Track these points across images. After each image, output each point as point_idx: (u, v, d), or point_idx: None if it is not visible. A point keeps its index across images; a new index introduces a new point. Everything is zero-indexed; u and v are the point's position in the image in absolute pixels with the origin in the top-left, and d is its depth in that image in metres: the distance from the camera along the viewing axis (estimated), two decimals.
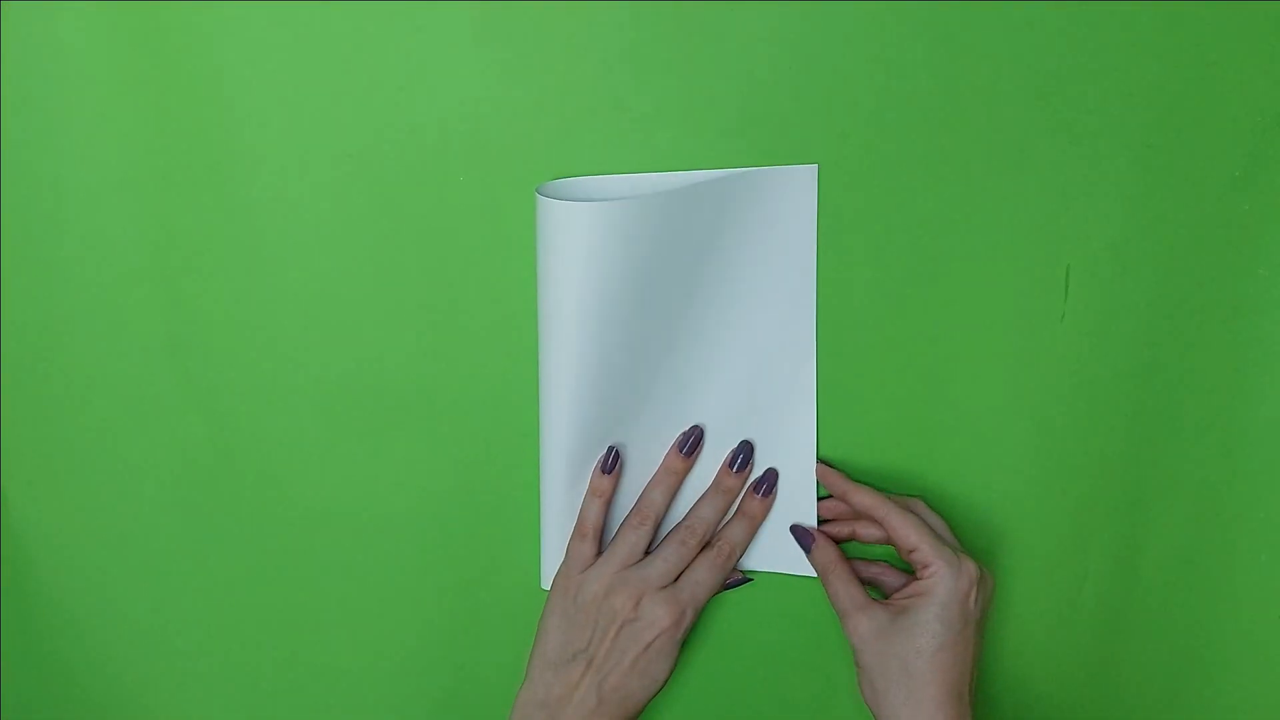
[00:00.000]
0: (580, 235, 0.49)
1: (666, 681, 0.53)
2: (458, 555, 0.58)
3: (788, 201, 0.52)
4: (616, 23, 0.49)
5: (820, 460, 0.56)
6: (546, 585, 0.56)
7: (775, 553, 0.57)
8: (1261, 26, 0.49)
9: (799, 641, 0.60)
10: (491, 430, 0.56)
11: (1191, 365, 0.55)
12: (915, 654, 0.50)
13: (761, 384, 0.56)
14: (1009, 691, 0.61)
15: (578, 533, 0.55)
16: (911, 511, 0.53)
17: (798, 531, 0.56)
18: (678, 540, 0.54)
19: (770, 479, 0.56)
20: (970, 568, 0.51)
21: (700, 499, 0.56)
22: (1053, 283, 0.54)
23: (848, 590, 0.53)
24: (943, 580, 0.51)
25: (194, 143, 0.50)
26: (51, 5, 0.48)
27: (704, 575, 0.54)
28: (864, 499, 0.54)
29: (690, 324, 0.54)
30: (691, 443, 0.55)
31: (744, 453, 0.56)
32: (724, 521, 0.56)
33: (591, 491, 0.55)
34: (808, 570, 0.56)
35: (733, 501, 0.56)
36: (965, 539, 0.58)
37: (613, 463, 0.54)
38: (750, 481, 0.56)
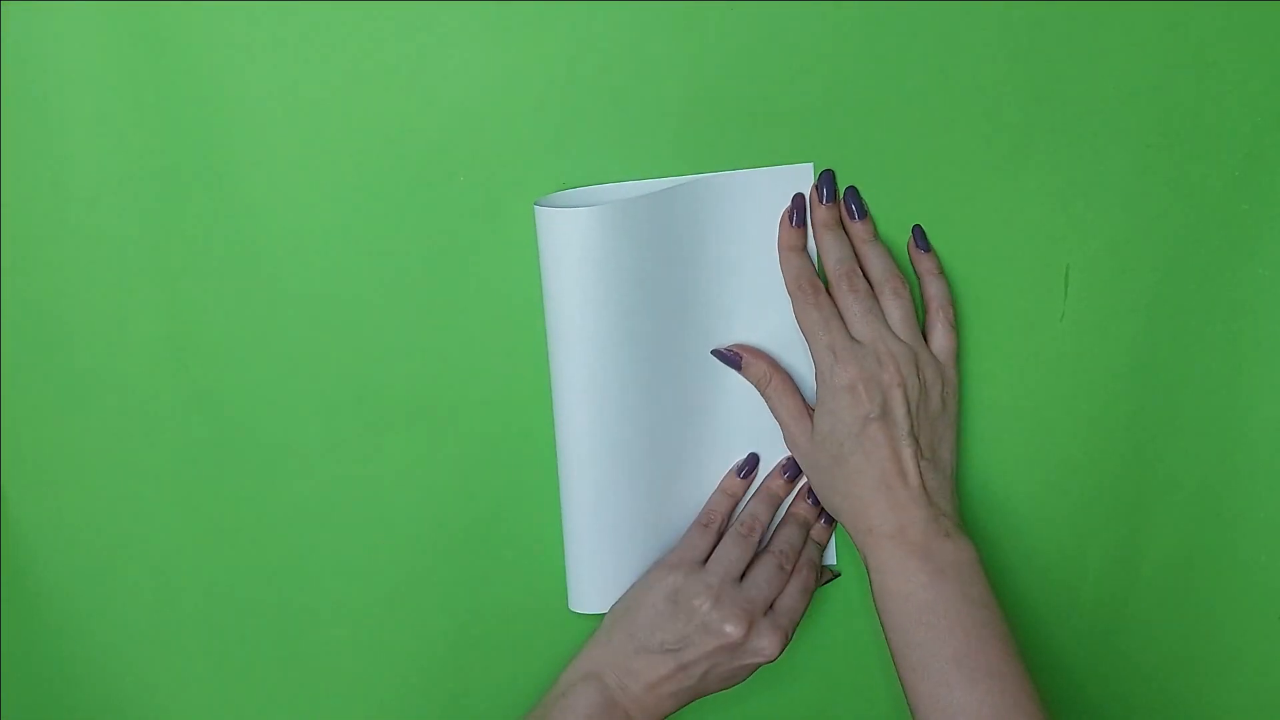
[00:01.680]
0: (581, 242, 0.49)
1: None
2: (458, 555, 0.58)
3: (786, 201, 0.52)
4: (616, 23, 0.49)
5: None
6: (577, 607, 0.56)
7: None
8: (1261, 26, 0.49)
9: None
10: (492, 430, 0.56)
11: (1191, 365, 0.55)
12: (832, 457, 0.51)
13: None
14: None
15: (702, 521, 0.56)
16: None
17: (722, 354, 0.55)
18: (775, 565, 0.54)
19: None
20: (847, 369, 0.50)
21: (760, 506, 0.56)
22: (1053, 283, 0.54)
23: (786, 402, 0.53)
24: (819, 373, 0.51)
25: (194, 143, 0.50)
26: (51, 5, 0.48)
27: (799, 603, 0.54)
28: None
29: (697, 327, 0.54)
30: (748, 469, 0.56)
31: (793, 468, 0.56)
32: (774, 525, 0.57)
33: (723, 490, 0.56)
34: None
35: (780, 504, 0.57)
36: None
37: (749, 468, 0.56)
38: (799, 488, 0.57)
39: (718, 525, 0.55)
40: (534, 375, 0.54)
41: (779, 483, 0.57)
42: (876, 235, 0.53)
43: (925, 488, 0.50)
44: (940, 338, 0.52)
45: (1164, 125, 0.51)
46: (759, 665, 0.53)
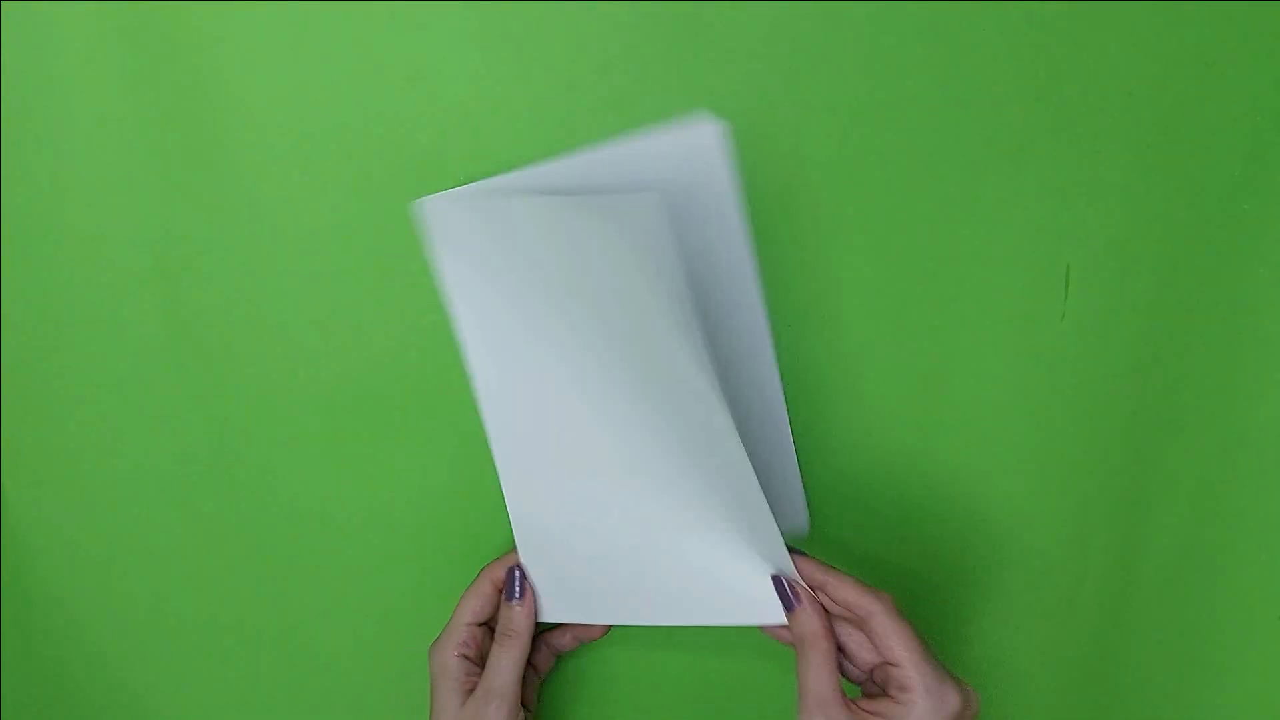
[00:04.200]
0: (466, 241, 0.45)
1: None
2: (458, 555, 0.58)
3: (696, 172, 0.46)
4: (616, 23, 0.49)
5: (792, 550, 0.49)
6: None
7: (728, 602, 0.50)
8: (1261, 26, 0.49)
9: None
10: None
11: (1191, 365, 0.55)
12: None
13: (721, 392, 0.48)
14: (1009, 691, 0.61)
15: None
16: (902, 618, 0.46)
17: (782, 585, 0.49)
18: None
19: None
20: (952, 700, 0.45)
21: None
22: (1053, 283, 0.54)
23: (823, 677, 0.46)
24: (920, 712, 0.44)
25: (194, 143, 0.50)
26: (51, 5, 0.48)
27: None
28: (848, 594, 0.47)
29: (617, 336, 0.48)
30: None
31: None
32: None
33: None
34: (767, 620, 0.49)
35: None
36: (966, 538, 0.58)
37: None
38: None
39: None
40: None
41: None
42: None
43: None
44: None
45: (1164, 125, 0.51)
46: None
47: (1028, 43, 0.49)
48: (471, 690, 0.51)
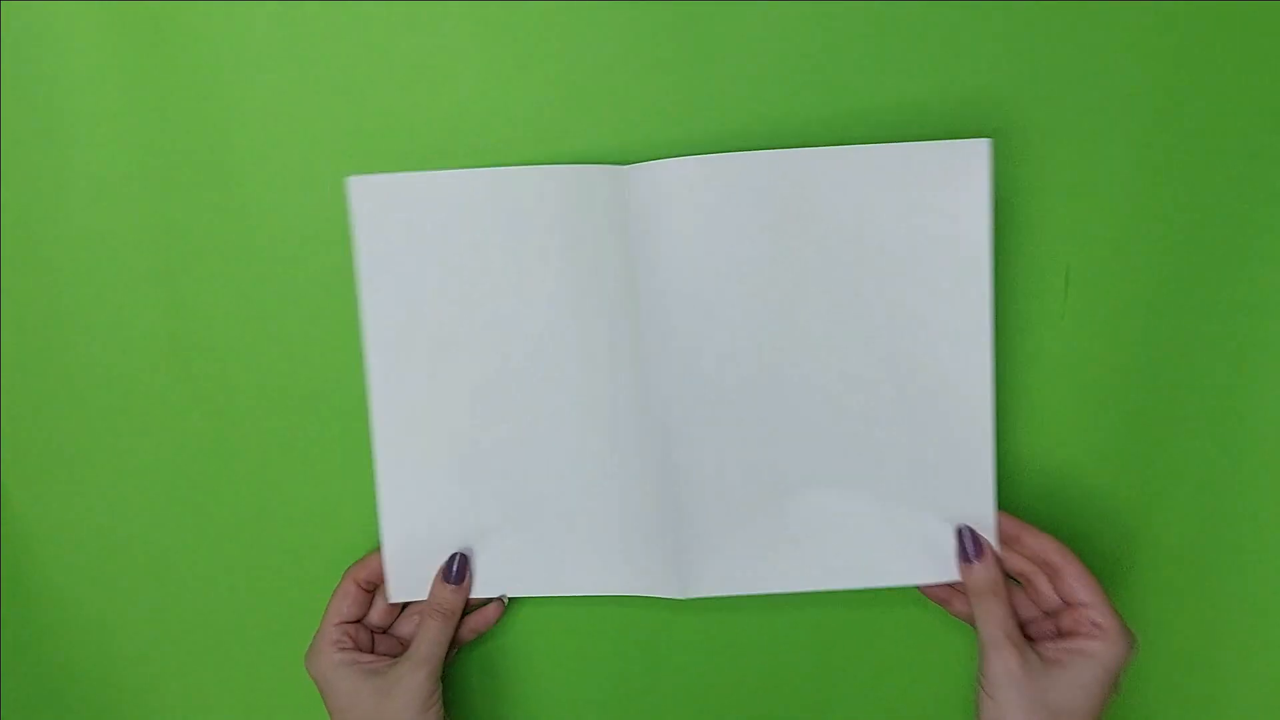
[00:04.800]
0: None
1: None
2: None
3: (957, 182, 0.48)
4: (616, 23, 0.49)
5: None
6: (395, 597, 0.54)
7: (892, 562, 0.53)
8: (1261, 26, 0.49)
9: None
10: None
11: (1191, 365, 0.55)
12: (1068, 712, 0.48)
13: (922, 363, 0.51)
14: None
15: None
16: (1086, 566, 0.51)
17: (967, 536, 0.52)
18: None
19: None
20: (1130, 636, 0.49)
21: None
22: (1053, 283, 0.54)
23: (1006, 620, 0.50)
24: (1114, 647, 0.49)
25: (194, 143, 0.50)
26: (51, 5, 0.48)
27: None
28: (1043, 543, 0.51)
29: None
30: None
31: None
32: None
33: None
34: (925, 579, 0.53)
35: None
36: None
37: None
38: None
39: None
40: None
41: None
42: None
43: None
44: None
45: (1164, 125, 0.51)
46: None
47: (1028, 43, 0.49)
48: (374, 671, 0.52)
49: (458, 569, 0.54)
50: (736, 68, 0.50)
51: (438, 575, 0.54)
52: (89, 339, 0.54)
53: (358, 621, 0.55)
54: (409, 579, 0.54)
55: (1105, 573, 0.59)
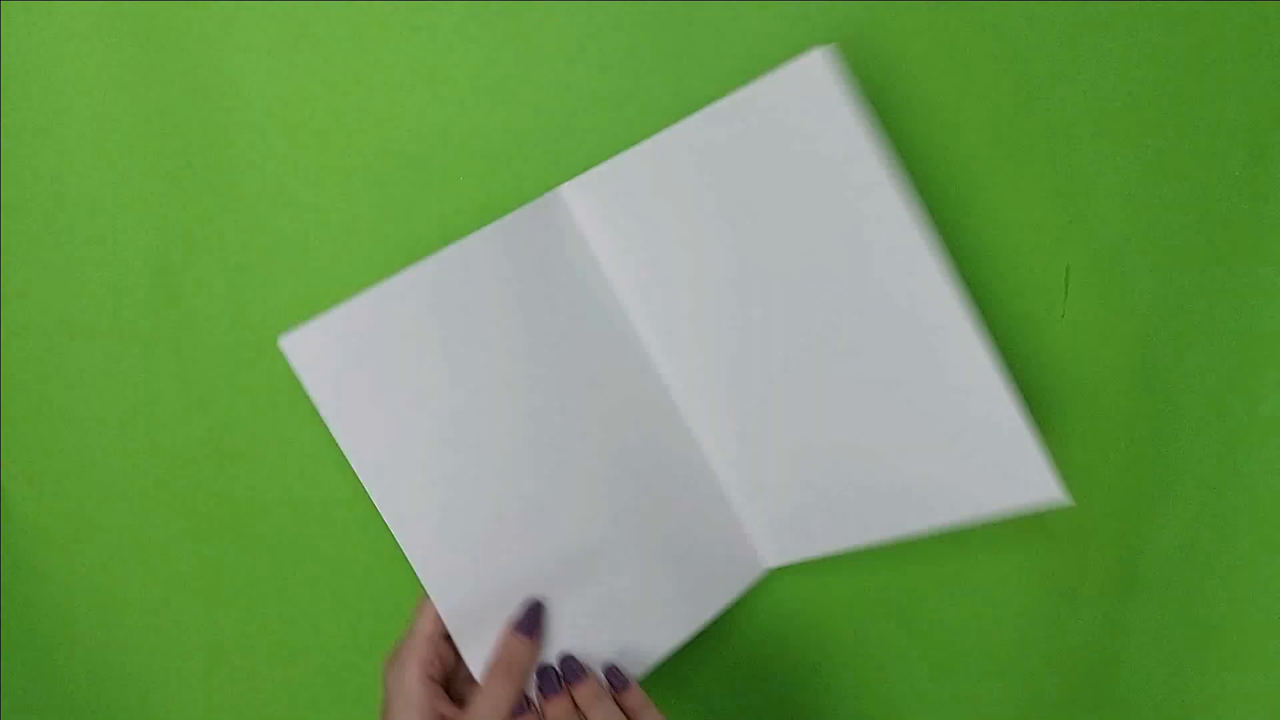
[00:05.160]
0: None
1: None
2: None
3: (814, 109, 0.45)
4: (617, 23, 0.49)
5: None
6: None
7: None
8: (1261, 26, 0.49)
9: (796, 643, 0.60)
10: None
11: (1191, 365, 0.55)
12: None
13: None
14: (1010, 691, 0.61)
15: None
16: None
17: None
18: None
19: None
20: None
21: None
22: (1053, 283, 0.54)
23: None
24: None
25: (194, 143, 0.50)
26: (51, 5, 0.48)
27: None
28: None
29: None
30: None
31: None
32: None
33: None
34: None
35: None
36: (965, 538, 0.58)
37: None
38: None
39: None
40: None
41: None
42: (600, 695, 0.46)
43: None
44: None
45: (1164, 125, 0.51)
46: None
47: (1028, 43, 0.50)
48: (447, 716, 0.46)
49: (535, 618, 0.47)
50: (735, 67, 0.50)
51: (507, 625, 0.47)
52: (89, 339, 0.54)
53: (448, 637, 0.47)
54: (480, 638, 0.47)
55: (1105, 572, 0.59)
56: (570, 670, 0.47)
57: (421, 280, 0.46)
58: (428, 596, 0.47)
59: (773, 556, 0.55)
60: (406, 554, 0.46)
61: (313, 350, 0.45)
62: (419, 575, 0.46)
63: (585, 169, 0.51)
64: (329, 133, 0.50)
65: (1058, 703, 0.62)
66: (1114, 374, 0.55)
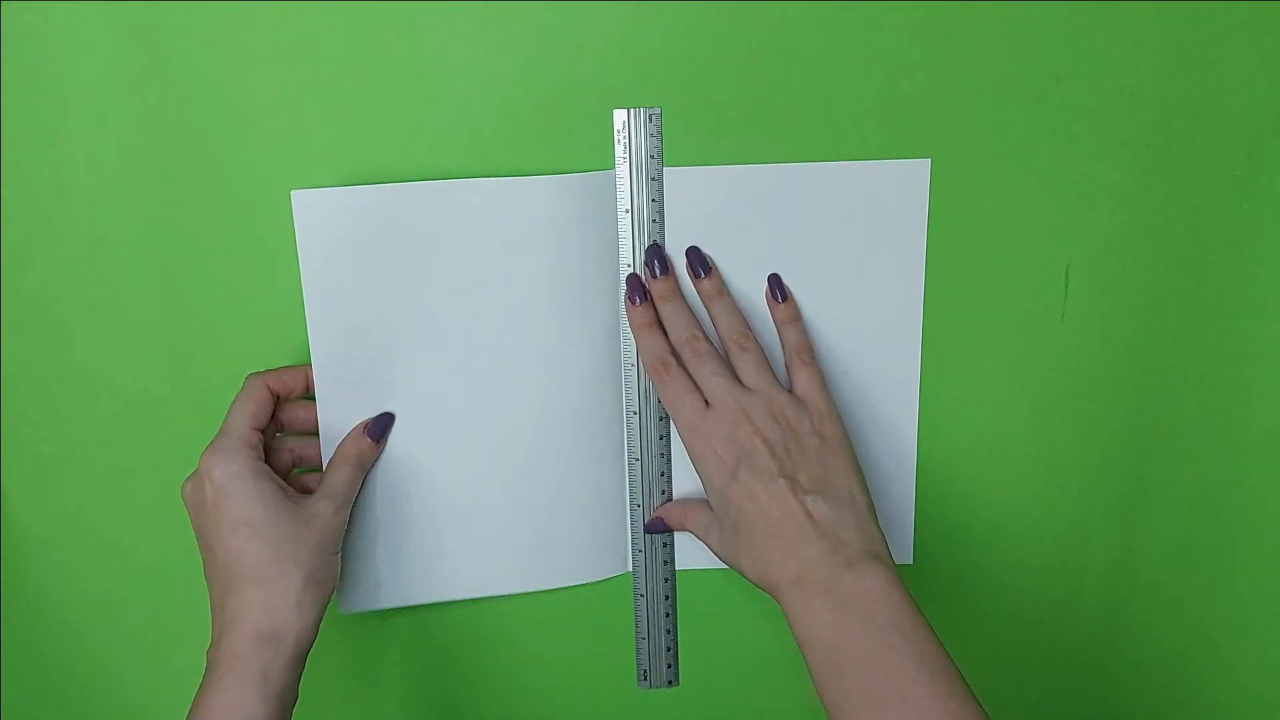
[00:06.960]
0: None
1: None
2: None
3: (897, 200, 0.52)
4: (617, 23, 0.49)
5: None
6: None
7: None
8: (1261, 26, 0.49)
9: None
10: None
11: (1191, 365, 0.55)
12: (727, 529, 0.51)
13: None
14: (1009, 691, 0.61)
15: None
16: None
17: (652, 526, 0.57)
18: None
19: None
20: (704, 437, 0.50)
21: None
22: (1053, 283, 0.54)
23: (689, 513, 0.54)
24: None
25: (194, 143, 0.50)
26: (51, 5, 0.48)
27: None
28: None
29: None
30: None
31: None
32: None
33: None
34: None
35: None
36: (965, 538, 0.58)
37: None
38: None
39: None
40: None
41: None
42: (724, 289, 0.53)
43: (816, 522, 0.47)
44: (800, 378, 0.52)
45: (1164, 125, 0.51)
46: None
47: (1028, 43, 0.49)
48: (288, 496, 0.49)
49: (379, 424, 0.53)
50: (736, 69, 0.50)
51: (358, 427, 0.53)
52: (89, 339, 0.54)
53: (261, 430, 0.51)
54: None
55: (1106, 571, 0.59)
56: (660, 261, 0.53)
57: (433, 196, 0.50)
58: (244, 393, 0.51)
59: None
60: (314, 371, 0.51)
61: (317, 213, 0.49)
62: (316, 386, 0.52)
63: (585, 169, 0.51)
64: (327, 133, 0.50)
65: (1058, 702, 0.62)
66: (1114, 374, 0.55)
